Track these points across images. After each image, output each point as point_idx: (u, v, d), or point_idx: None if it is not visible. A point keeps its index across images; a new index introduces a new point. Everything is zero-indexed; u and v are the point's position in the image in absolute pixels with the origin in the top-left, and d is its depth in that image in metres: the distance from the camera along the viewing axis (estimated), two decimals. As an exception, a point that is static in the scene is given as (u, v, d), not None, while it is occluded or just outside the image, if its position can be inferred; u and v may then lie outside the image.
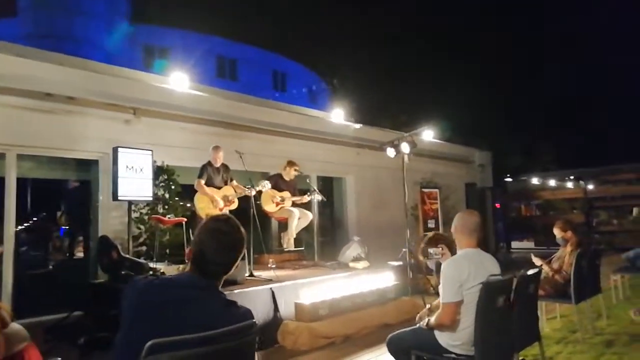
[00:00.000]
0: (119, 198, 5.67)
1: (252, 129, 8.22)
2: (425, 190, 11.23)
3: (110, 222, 6.30)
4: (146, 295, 1.69)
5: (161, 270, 5.15)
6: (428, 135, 10.58)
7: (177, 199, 6.64)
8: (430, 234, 4.14)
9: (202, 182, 6.09)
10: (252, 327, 1.73)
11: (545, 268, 4.89)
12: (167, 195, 6.54)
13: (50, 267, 8.03)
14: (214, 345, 1.58)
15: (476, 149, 15.04)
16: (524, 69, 33.13)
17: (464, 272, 2.85)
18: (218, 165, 6.28)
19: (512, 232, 15.96)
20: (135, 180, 5.80)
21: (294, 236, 7.07)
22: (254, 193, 6.05)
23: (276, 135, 8.64)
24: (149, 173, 5.98)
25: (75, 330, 4.70)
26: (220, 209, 6.06)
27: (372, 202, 10.49)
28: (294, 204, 7.09)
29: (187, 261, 2.03)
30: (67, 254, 8.27)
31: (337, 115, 10.24)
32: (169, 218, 6.13)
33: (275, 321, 5.01)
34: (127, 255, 5.39)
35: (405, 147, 7.06)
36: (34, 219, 9.05)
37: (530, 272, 3.35)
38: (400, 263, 6.97)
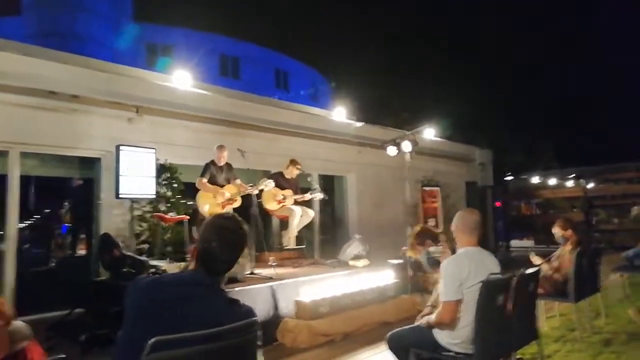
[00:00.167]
0: (121, 196, 5.71)
1: (255, 127, 8.23)
2: (426, 188, 11.26)
3: (112, 220, 6.32)
4: (150, 293, 1.70)
5: (162, 268, 5.16)
6: (429, 133, 10.58)
7: (179, 197, 6.66)
8: (417, 227, 4.13)
9: (205, 180, 6.12)
10: (255, 325, 1.75)
11: (545, 267, 4.90)
12: (169, 193, 6.56)
13: (52, 264, 8.07)
14: (217, 343, 1.59)
15: (477, 148, 15.02)
16: (524, 69, 33.14)
17: (465, 271, 2.87)
18: (221, 164, 6.31)
19: (512, 230, 15.94)
20: (137, 178, 5.84)
21: (295, 234, 7.10)
22: (256, 192, 6.07)
23: (278, 134, 8.65)
24: (151, 171, 6.00)
25: (76, 327, 4.72)
26: (223, 204, 6.08)
27: (373, 201, 10.50)
28: (295, 202, 7.13)
29: (189, 259, 2.05)
30: (69, 252, 8.31)
31: (339, 114, 10.22)
32: (171, 216, 6.16)
33: (275, 319, 5.02)
34: (129, 253, 5.41)
35: (406, 146, 7.07)
36: (37, 216, 9.10)
37: (530, 270, 3.37)
38: (401, 261, 6.98)
